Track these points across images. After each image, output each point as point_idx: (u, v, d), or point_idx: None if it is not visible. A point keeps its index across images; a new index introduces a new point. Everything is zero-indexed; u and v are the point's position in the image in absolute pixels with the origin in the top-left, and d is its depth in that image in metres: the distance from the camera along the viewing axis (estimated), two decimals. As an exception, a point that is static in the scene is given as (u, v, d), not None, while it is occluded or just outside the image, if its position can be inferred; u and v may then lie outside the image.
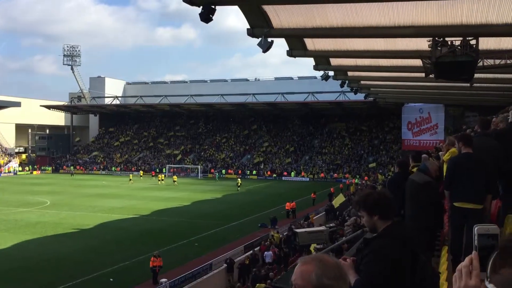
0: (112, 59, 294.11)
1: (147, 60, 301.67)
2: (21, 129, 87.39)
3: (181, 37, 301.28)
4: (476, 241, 1.50)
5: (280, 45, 15.32)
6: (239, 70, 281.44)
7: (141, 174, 69.23)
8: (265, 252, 22.86)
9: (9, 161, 77.28)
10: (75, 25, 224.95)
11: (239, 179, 56.41)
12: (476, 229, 1.51)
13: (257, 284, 17.39)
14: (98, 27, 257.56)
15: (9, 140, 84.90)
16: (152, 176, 67.29)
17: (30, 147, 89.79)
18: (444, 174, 5.81)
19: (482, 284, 1.34)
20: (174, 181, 58.69)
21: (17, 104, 79.82)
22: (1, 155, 77.56)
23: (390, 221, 2.92)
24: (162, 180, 59.69)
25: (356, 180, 55.44)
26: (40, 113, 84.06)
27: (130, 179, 60.20)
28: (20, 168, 76.96)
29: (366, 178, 57.55)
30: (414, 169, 6.91)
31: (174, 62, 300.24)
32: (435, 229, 6.39)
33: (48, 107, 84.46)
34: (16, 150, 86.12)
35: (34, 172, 76.90)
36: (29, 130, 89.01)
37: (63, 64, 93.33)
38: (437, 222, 6.09)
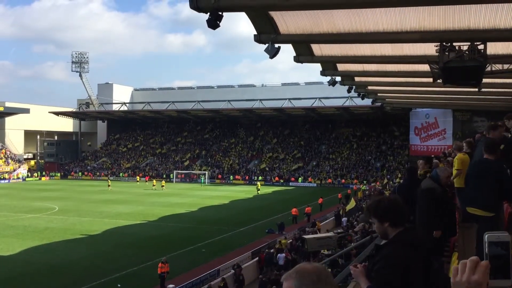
0: (122, 65, 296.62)
1: (157, 67, 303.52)
2: (29, 135, 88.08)
3: (191, 43, 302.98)
4: (487, 249, 1.47)
5: (288, 51, 15.33)
6: (247, 76, 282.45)
7: (138, 179, 70.24)
8: (279, 255, 22.87)
9: (18, 167, 77.82)
10: (87, 32, 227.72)
11: (258, 183, 59.44)
12: (486, 236, 1.49)
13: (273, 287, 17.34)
14: (110, 34, 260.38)
15: (18, 147, 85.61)
16: (146, 181, 67.71)
17: (38, 153, 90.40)
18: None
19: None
20: (162, 186, 59.52)
21: (26, 111, 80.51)
22: (10, 162, 78.10)
23: (402, 228, 2.89)
24: (154, 185, 60.48)
25: (363, 186, 55.08)
26: (48, 119, 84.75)
27: (109, 185, 59.88)
28: (29, 174, 77.48)
29: (378, 183, 57.14)
30: (427, 174, 6.88)
31: (183, 69, 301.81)
32: (443, 236, 6.33)
33: (57, 113, 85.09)
34: (25, 157, 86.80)
35: (43, 178, 77.39)
36: (38, 137, 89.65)
37: (72, 71, 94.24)
38: (446, 228, 6.03)
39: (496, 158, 5.22)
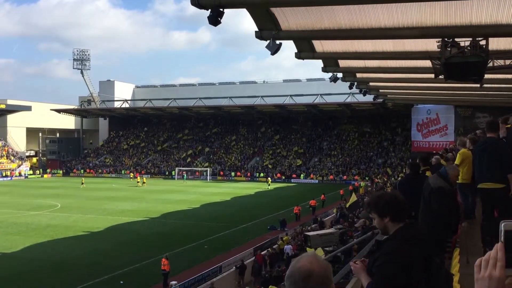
0: (126, 63, 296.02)
1: (161, 64, 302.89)
2: (31, 133, 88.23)
3: (196, 40, 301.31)
4: (502, 238, 1.45)
5: (293, 47, 15.31)
6: (252, 73, 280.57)
7: (131, 176, 71.37)
8: (285, 246, 23.05)
9: (20, 164, 77.99)
10: (93, 30, 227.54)
11: (269, 178, 62.47)
12: (503, 225, 1.46)
13: (270, 286, 17.32)
14: (115, 31, 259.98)
15: (20, 144, 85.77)
16: (136, 177, 68.22)
17: (40, 151, 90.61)
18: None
19: (508, 278, 1.35)
20: (144, 182, 61.01)
21: (28, 108, 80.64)
22: (13, 159, 78.28)
23: (402, 223, 2.89)
24: (138, 181, 61.73)
25: (362, 183, 54.92)
26: (50, 117, 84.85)
27: (82, 183, 59.31)
28: (31, 172, 77.62)
29: (375, 180, 57.00)
30: (427, 173, 6.87)
31: (188, 66, 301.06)
32: (447, 234, 6.34)
33: (59, 111, 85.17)
34: (27, 154, 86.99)
35: (45, 176, 77.55)
36: (40, 134, 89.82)
37: (73, 68, 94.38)
38: (450, 228, 6.03)
39: (497, 136, 5.51)
